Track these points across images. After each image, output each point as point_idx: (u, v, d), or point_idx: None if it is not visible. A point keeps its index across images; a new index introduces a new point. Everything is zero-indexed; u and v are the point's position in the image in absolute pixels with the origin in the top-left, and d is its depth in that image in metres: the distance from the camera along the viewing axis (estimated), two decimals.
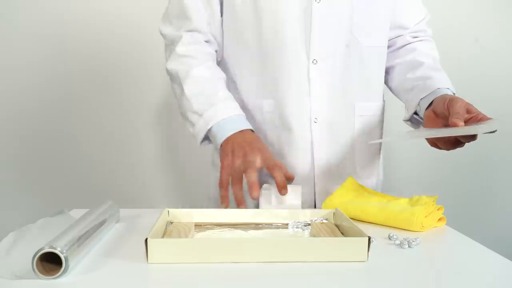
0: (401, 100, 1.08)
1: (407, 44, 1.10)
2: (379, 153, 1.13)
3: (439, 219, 0.84)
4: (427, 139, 0.90)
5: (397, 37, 1.10)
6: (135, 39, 1.62)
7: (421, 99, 0.98)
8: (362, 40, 1.01)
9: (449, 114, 0.85)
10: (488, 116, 0.85)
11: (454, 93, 0.97)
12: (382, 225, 0.84)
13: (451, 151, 0.89)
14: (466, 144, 0.85)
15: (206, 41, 1.03)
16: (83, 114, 1.64)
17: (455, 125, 0.81)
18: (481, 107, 0.87)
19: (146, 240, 0.63)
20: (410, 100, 1.02)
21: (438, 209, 0.83)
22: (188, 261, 0.63)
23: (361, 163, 1.08)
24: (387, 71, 1.11)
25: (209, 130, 0.94)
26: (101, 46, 1.60)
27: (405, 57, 1.09)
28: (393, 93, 1.12)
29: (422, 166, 1.71)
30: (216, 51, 1.06)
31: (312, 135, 1.02)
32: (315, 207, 1.04)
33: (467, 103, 0.87)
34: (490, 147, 1.68)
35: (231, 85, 1.07)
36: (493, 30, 1.69)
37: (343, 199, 0.91)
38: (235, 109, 0.96)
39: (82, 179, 1.65)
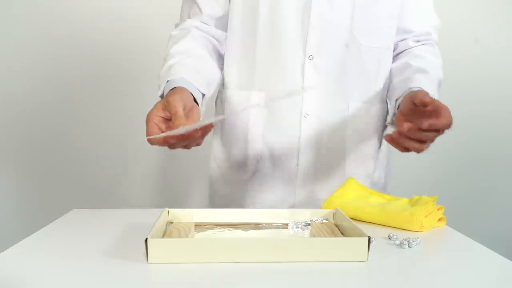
0: None
1: (408, 48, 1.07)
2: (375, 157, 1.07)
3: (439, 219, 0.84)
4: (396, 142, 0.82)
5: (400, 41, 1.07)
6: (136, 39, 1.62)
7: (396, 100, 0.96)
8: (362, 40, 0.99)
9: (414, 102, 0.78)
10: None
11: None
12: (382, 225, 0.84)
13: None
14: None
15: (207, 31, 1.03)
16: (83, 114, 1.64)
17: (424, 102, 0.75)
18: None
19: (146, 240, 0.63)
20: (390, 104, 1.00)
21: (438, 209, 0.83)
22: (188, 261, 0.63)
23: (351, 165, 1.04)
24: None
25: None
26: (102, 47, 1.60)
27: (400, 60, 1.06)
28: None
29: (422, 166, 1.70)
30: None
31: (301, 131, 1.00)
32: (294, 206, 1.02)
33: (426, 93, 0.81)
34: (490, 147, 1.68)
35: None
36: (493, 30, 1.69)
37: (343, 199, 0.91)
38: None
39: (83, 179, 1.65)
